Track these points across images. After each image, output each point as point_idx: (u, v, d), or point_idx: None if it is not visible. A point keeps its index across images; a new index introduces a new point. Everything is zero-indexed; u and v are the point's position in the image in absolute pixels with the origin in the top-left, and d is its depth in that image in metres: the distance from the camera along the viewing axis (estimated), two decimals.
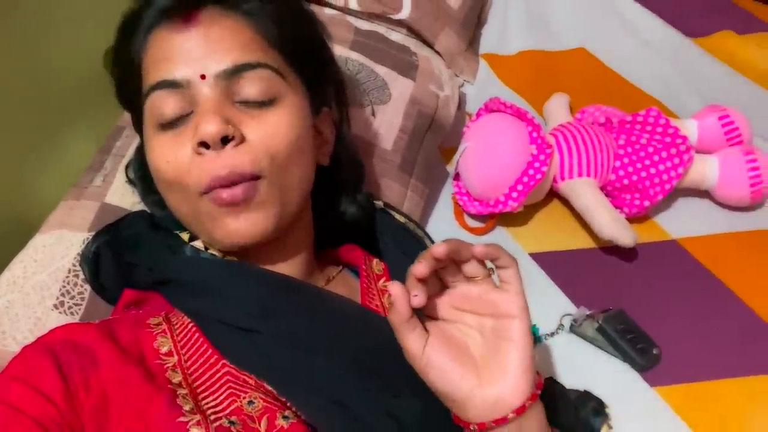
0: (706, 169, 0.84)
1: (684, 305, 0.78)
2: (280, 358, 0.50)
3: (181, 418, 0.45)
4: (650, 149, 0.81)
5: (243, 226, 0.51)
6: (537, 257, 0.83)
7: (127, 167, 0.67)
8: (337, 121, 0.64)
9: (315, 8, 0.89)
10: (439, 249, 0.42)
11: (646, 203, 0.82)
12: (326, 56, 0.63)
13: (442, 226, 0.86)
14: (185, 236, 0.57)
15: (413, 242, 0.67)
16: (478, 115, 0.88)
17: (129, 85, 0.56)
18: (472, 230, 0.86)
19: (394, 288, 0.43)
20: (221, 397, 0.48)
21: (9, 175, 0.74)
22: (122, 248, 0.60)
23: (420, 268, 0.42)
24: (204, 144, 0.50)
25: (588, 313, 0.76)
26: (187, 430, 0.44)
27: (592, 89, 1.02)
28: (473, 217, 0.87)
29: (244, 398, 0.48)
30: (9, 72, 0.71)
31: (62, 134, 0.80)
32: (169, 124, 0.52)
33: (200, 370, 0.49)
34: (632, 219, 0.83)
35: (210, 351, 0.50)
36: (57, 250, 0.68)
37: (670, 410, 0.69)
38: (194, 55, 0.51)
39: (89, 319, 0.65)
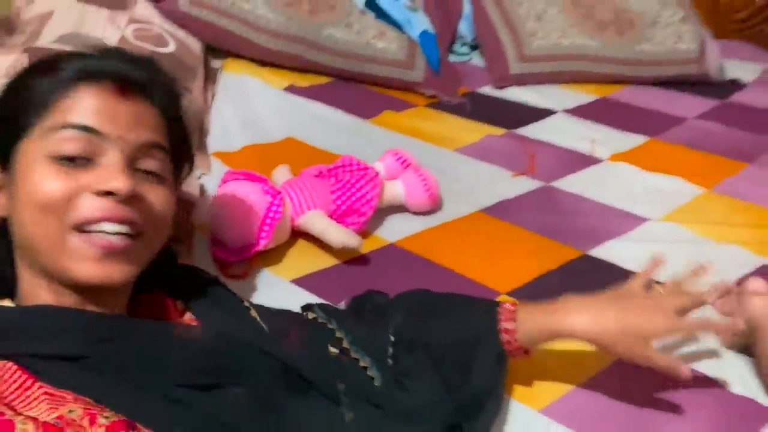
0: (395, 190, 1.15)
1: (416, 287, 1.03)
2: (105, 379, 0.55)
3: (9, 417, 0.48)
4: (353, 181, 1.10)
5: (108, 271, 0.58)
6: (298, 281, 1.02)
7: None
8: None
9: None
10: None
11: (362, 219, 1.08)
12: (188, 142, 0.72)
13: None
14: None
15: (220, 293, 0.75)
16: (220, 186, 1.07)
17: (13, 109, 0.60)
18: (237, 277, 1.01)
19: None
20: (41, 411, 0.51)
21: None
22: None
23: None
24: (110, 194, 0.57)
25: None
26: (15, 426, 0.47)
27: (305, 163, 1.30)
28: (236, 265, 1.03)
29: (63, 409, 0.51)
30: None
31: None
32: (66, 160, 0.57)
33: (15, 393, 0.53)
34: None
35: (25, 377, 0.53)
36: None
37: None
38: (122, 121, 0.59)
39: None
